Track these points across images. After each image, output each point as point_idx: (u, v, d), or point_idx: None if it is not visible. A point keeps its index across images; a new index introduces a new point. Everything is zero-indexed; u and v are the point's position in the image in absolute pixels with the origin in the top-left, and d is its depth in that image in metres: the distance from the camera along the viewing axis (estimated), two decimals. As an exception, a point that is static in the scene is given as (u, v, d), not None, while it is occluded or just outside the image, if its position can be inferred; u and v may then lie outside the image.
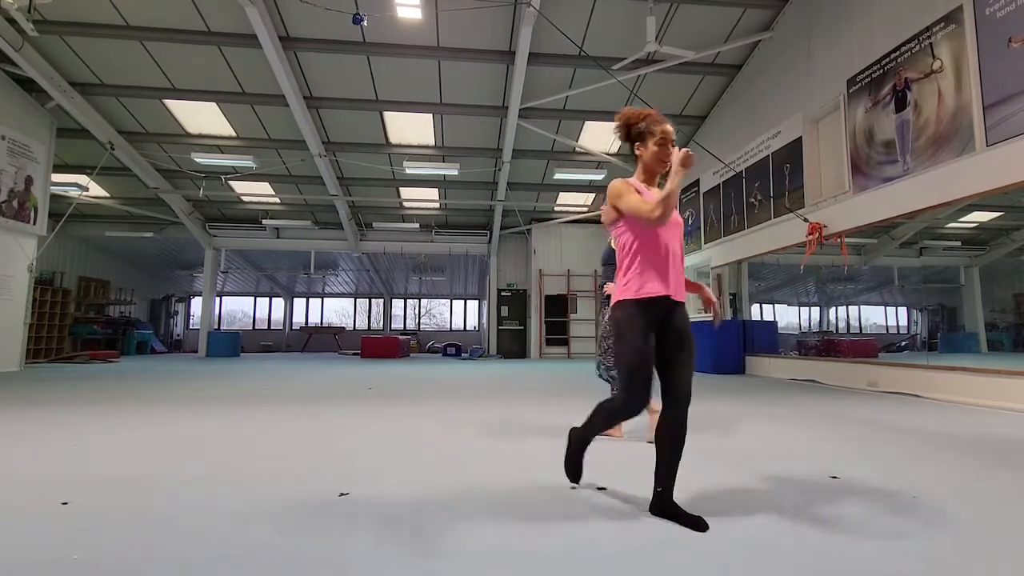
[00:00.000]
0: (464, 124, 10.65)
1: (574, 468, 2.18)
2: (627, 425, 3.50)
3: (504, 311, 14.84)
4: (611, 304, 2.06)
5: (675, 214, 1.98)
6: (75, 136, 10.25)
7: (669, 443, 1.92)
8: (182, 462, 2.63)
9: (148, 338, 16.07)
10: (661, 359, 1.93)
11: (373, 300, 22.61)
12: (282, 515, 1.86)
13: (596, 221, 14.55)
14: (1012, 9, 4.64)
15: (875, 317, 10.35)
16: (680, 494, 1.96)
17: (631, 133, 2.03)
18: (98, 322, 14.81)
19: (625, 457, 2.79)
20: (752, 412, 4.43)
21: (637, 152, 2.02)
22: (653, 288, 1.90)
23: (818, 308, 10.12)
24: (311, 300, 22.39)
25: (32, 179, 9.31)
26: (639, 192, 1.94)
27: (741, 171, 8.96)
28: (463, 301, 22.18)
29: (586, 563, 1.49)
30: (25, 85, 9.07)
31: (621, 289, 1.98)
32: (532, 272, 14.65)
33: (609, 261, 3.27)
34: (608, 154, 11.42)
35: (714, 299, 2.25)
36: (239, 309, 22.74)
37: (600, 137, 11.09)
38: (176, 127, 10.54)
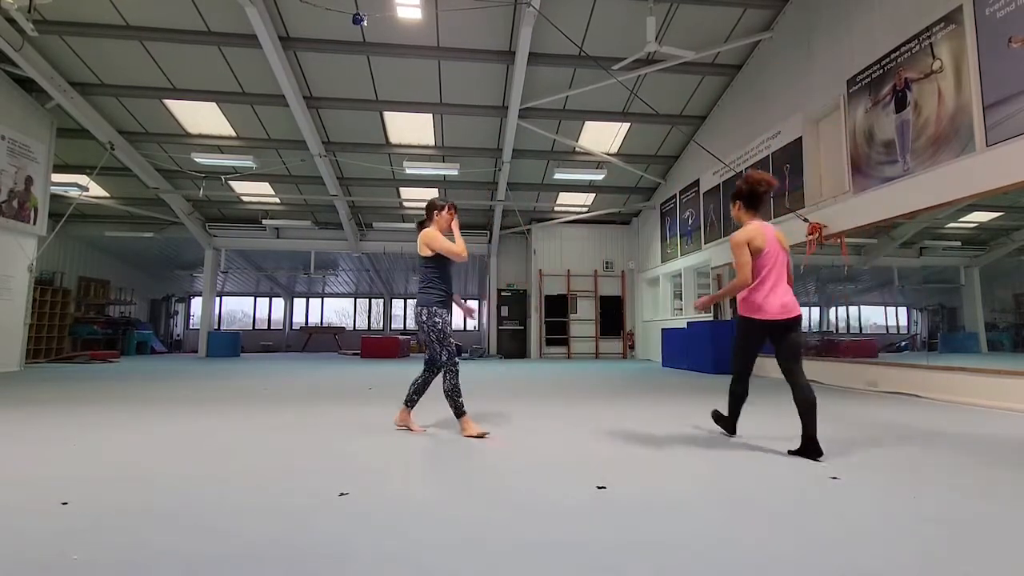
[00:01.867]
0: (464, 124, 10.66)
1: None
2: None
3: (504, 311, 14.83)
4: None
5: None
6: (75, 136, 10.26)
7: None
8: (182, 462, 2.63)
9: (148, 338, 16.06)
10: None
11: (373, 300, 22.60)
12: (282, 514, 1.86)
13: (596, 221, 14.57)
14: (1012, 9, 4.64)
15: (875, 317, 10.34)
16: (679, 491, 1.96)
17: None
18: (98, 322, 14.80)
19: (625, 457, 2.79)
20: (751, 412, 4.43)
21: None
22: None
23: (818, 308, 10.11)
24: (311, 300, 22.38)
25: (32, 179, 9.31)
26: None
27: (741, 171, 8.96)
28: (463, 301, 22.16)
29: (586, 557, 1.49)
30: (25, 85, 9.07)
31: None
32: (532, 272, 14.65)
33: (427, 264, 3.45)
34: (608, 154, 11.43)
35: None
36: (239, 309, 22.74)
37: (600, 137, 11.10)
38: (176, 127, 10.54)
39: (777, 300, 3.00)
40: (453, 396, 3.33)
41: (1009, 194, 4.76)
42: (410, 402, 3.52)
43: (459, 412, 3.34)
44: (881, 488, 2.21)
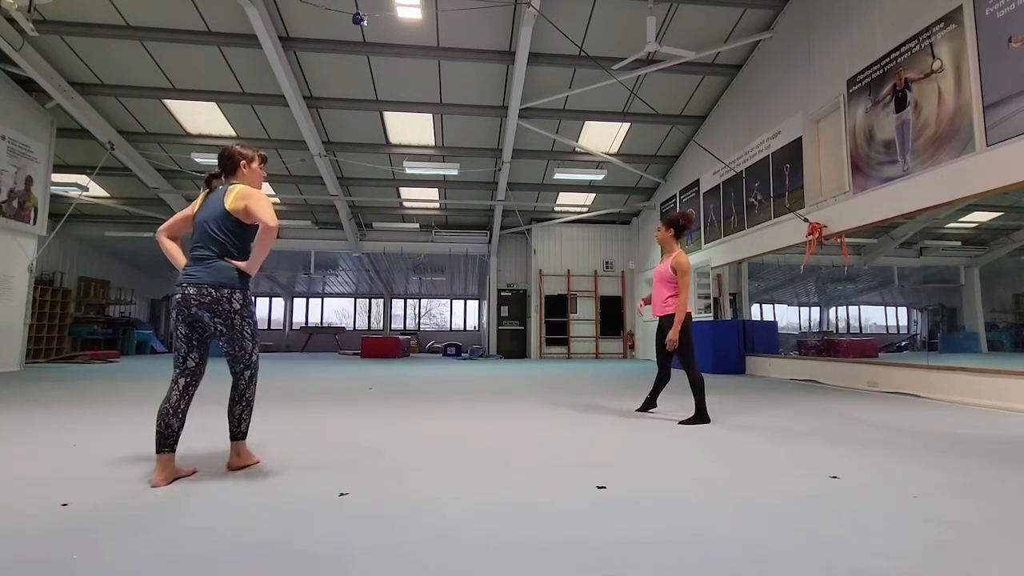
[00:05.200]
0: (464, 124, 10.66)
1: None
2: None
3: (504, 311, 14.84)
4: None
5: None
6: (75, 136, 10.26)
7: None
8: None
9: (148, 338, 16.05)
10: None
11: (373, 300, 22.61)
12: (282, 515, 1.86)
13: (596, 221, 14.57)
14: (1012, 9, 4.64)
15: (875, 317, 10.35)
16: (679, 491, 1.96)
17: None
18: (98, 322, 14.79)
19: (625, 457, 2.79)
20: (752, 412, 4.43)
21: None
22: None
23: (818, 308, 10.13)
24: (311, 300, 22.38)
25: (32, 179, 9.31)
26: None
27: (741, 171, 8.97)
28: (463, 301, 22.18)
29: (586, 557, 1.49)
30: (25, 85, 9.07)
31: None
32: (532, 272, 14.66)
33: (234, 229, 2.43)
34: (608, 154, 11.43)
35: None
36: (239, 309, 22.74)
37: (600, 137, 11.10)
38: (176, 127, 10.54)
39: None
40: (249, 409, 2.54)
41: (1009, 194, 4.76)
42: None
43: (243, 433, 2.51)
44: (881, 488, 2.21)
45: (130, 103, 9.79)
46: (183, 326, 2.36)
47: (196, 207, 2.50)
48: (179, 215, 2.55)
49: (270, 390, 5.99)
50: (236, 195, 2.40)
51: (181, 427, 2.33)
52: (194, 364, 2.39)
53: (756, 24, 8.31)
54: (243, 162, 2.58)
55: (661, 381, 4.31)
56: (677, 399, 5.03)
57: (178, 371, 2.37)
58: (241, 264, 2.41)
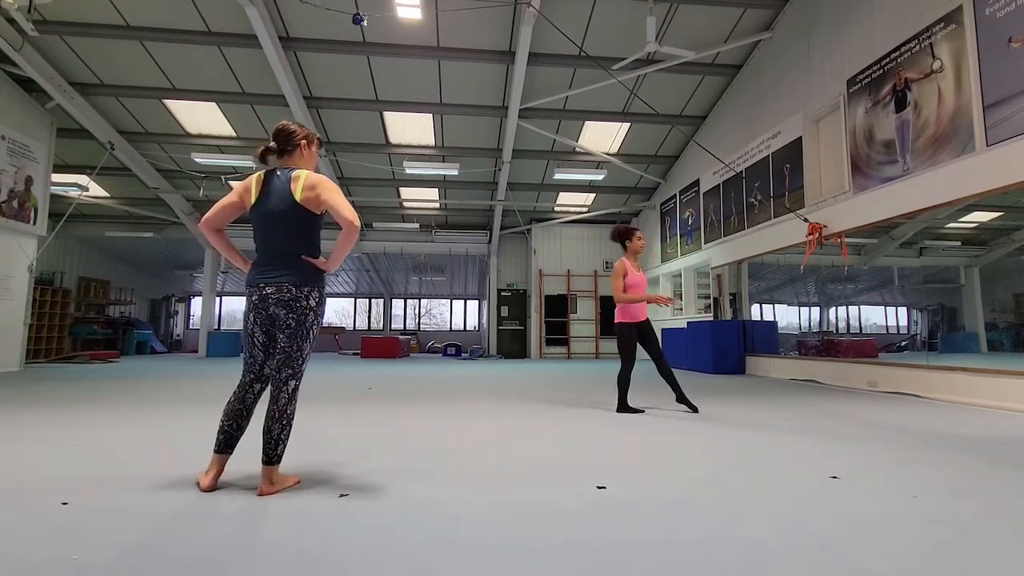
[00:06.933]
0: (464, 124, 10.66)
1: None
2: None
3: (504, 311, 14.84)
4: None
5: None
6: (75, 136, 10.26)
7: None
8: (182, 462, 2.63)
9: (148, 338, 16.06)
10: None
11: (373, 300, 22.61)
12: (282, 516, 1.86)
13: (596, 221, 14.57)
14: (1012, 9, 4.64)
15: (875, 317, 10.35)
16: (679, 491, 1.96)
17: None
18: (98, 322, 14.80)
19: (625, 457, 2.79)
20: (752, 412, 4.43)
21: None
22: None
23: (818, 308, 10.12)
24: (311, 300, 22.37)
25: (32, 179, 9.31)
26: None
27: (741, 171, 8.97)
28: (463, 301, 22.18)
29: (586, 557, 1.49)
30: (25, 85, 9.07)
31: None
32: (532, 272, 14.66)
33: (304, 221, 2.27)
34: (608, 154, 11.43)
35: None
36: (239, 309, 22.74)
37: (600, 137, 11.11)
38: (176, 127, 10.54)
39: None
40: (289, 429, 2.17)
41: (1009, 194, 4.76)
42: (279, 457, 2.16)
43: (279, 457, 2.15)
44: (881, 488, 2.21)
45: (130, 103, 9.79)
46: (262, 334, 2.24)
47: (253, 196, 2.27)
48: (223, 203, 2.31)
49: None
50: (304, 183, 2.21)
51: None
52: (268, 370, 2.26)
53: (756, 24, 8.31)
54: (304, 142, 2.38)
55: (668, 377, 4.43)
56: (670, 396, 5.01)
57: (252, 376, 2.26)
58: (319, 262, 2.28)
